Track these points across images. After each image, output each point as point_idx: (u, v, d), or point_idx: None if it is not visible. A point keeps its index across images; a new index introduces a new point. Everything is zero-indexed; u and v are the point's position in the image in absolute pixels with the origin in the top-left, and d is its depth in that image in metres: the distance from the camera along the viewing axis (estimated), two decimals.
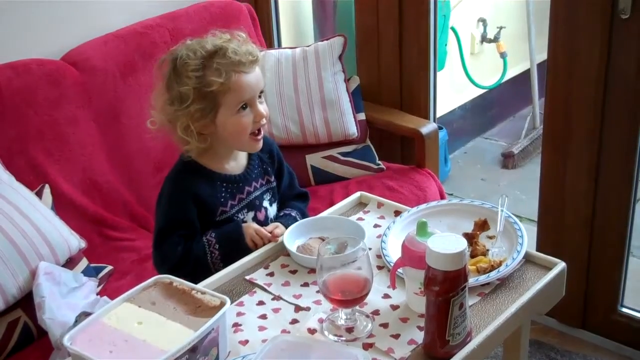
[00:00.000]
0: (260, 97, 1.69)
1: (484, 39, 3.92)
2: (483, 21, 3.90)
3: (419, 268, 1.36)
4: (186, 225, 1.69)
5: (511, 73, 4.03)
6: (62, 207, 2.19)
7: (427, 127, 2.55)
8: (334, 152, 2.56)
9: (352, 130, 2.54)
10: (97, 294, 2.01)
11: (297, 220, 1.77)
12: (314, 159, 2.55)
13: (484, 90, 3.96)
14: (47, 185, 2.15)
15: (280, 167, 1.87)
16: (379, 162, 2.59)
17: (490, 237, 1.65)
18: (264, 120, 1.69)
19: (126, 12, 2.57)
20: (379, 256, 1.62)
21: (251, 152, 1.77)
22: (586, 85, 2.19)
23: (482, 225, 1.66)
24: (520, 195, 3.47)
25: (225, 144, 1.72)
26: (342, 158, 2.55)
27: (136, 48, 2.45)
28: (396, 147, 2.78)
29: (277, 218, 1.83)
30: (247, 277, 1.60)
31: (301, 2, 3.26)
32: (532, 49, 3.89)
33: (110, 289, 2.08)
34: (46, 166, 2.22)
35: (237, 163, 1.77)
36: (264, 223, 1.78)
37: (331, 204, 2.37)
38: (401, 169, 2.60)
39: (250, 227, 1.70)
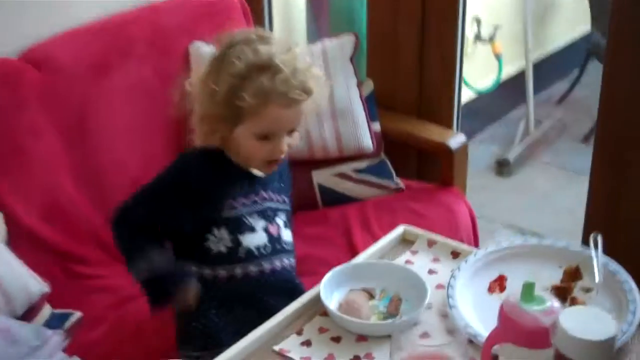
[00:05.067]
0: (292, 131, 1.53)
1: (477, 38, 3.65)
2: (477, 21, 3.62)
3: (528, 347, 1.01)
4: (161, 215, 1.56)
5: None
6: (18, 238, 1.81)
7: (455, 140, 2.19)
8: (345, 168, 2.18)
9: (367, 143, 2.16)
10: (64, 351, 1.62)
11: None
12: (321, 177, 2.17)
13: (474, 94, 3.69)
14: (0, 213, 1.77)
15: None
16: (397, 179, 2.22)
17: (587, 290, 1.29)
18: (283, 155, 1.55)
19: (98, 3, 2.20)
20: (444, 315, 1.25)
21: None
22: None
23: (574, 274, 1.30)
24: (519, 204, 3.19)
25: None
26: (356, 176, 2.18)
27: (111, 45, 2.09)
28: (411, 161, 2.42)
29: None
30: (276, 348, 1.21)
31: None
32: (527, 49, 3.64)
33: (80, 343, 1.68)
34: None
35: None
36: (276, 239, 1.58)
37: (347, 232, 2.07)
38: (423, 188, 2.23)
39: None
